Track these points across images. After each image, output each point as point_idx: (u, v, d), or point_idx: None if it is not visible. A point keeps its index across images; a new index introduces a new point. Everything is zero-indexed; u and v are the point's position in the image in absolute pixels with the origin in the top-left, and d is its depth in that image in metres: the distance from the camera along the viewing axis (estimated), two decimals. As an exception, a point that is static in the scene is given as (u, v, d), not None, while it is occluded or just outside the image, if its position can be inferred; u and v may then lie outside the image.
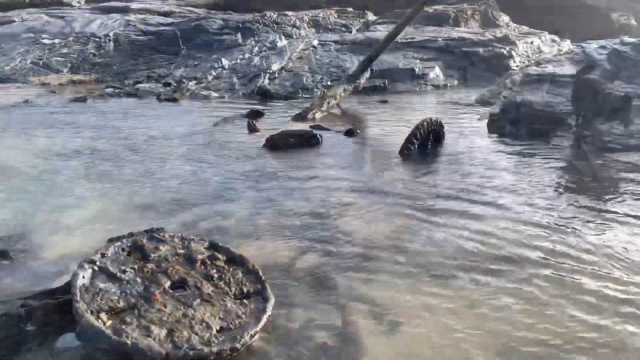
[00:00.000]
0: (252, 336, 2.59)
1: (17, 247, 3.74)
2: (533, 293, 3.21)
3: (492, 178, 5.41)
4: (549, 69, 8.41)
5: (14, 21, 15.97)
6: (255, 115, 8.79)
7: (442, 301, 3.12)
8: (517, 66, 13.20)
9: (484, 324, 2.88)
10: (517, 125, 7.53)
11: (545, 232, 4.10)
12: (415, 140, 6.25)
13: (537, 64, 9.43)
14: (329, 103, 9.14)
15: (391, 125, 8.16)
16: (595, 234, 4.07)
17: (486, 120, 8.05)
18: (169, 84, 11.88)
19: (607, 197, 4.92)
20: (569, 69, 8.24)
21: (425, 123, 6.35)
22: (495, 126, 7.74)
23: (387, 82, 11.91)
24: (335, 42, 14.36)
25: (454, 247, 3.83)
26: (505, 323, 2.88)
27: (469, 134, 7.49)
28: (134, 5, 19.26)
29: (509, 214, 4.46)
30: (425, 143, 6.44)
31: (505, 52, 13.84)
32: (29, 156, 6.21)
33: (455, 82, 12.90)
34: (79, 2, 20.69)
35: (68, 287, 2.70)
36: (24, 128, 7.78)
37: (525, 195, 4.91)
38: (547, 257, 3.66)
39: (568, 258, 3.65)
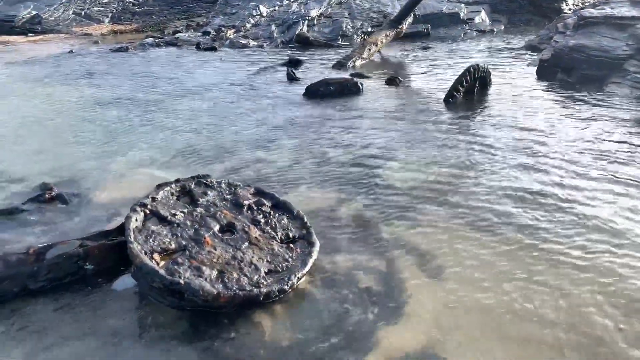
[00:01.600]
0: (299, 279, 2.65)
1: (71, 191, 3.89)
2: (584, 245, 3.12)
3: (540, 128, 5.20)
4: (607, 10, 7.85)
5: (55, -29, 16.04)
6: (294, 63, 8.67)
7: (488, 248, 3.08)
8: (569, 9, 12.40)
9: (528, 270, 2.84)
10: (569, 72, 7.16)
11: (599, 182, 3.95)
12: (460, 88, 6.04)
13: (594, 5, 8.81)
14: (369, 50, 8.89)
15: (434, 72, 7.90)
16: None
17: (535, 67, 7.68)
18: (208, 33, 11.81)
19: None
20: (629, 11, 7.67)
21: (471, 69, 6.11)
22: (545, 72, 7.39)
23: (430, 27, 11.45)
24: (376, -14, 13.81)
25: (499, 196, 3.74)
26: (551, 273, 2.84)
27: (517, 81, 7.18)
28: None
29: (556, 165, 4.30)
30: (472, 90, 6.22)
31: (557, -6, 13.00)
32: (76, 105, 6.37)
33: (502, 27, 12.28)
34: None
35: (122, 229, 2.80)
36: (69, 78, 7.96)
37: (576, 146, 4.71)
38: (599, 204, 3.55)
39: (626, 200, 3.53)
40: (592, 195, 3.72)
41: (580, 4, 12.51)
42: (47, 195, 3.73)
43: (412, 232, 3.29)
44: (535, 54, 8.76)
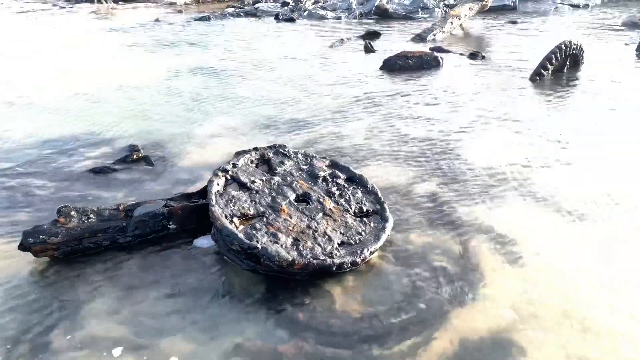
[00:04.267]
0: (371, 253, 2.65)
1: (156, 154, 4.10)
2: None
3: (633, 117, 4.81)
4: None
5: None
6: (372, 35, 8.53)
7: (572, 236, 2.93)
8: (680, -18, 11.25)
9: (615, 261, 2.67)
10: (675, 52, 6.54)
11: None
12: (549, 66, 5.69)
13: None
14: (451, 23, 8.56)
15: (521, 49, 7.48)
16: None
17: (635, 46, 7.07)
18: (287, 4, 11.85)
19: None
20: None
21: (563, 46, 5.73)
22: (647, 52, 6.80)
23: (517, 1, 10.81)
24: (462, -44, 13.18)
25: (587, 183, 3.52)
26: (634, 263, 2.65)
27: (613, 60, 6.65)
28: None
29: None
30: (561, 69, 5.85)
31: (666, -35, 11.80)
32: (161, 73, 6.65)
33: (599, 2, 11.38)
34: None
35: (204, 192, 2.92)
36: (156, 46, 8.30)
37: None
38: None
39: None
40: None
41: (692, -23, 11.29)
42: (134, 157, 3.96)
43: (491, 214, 3.18)
44: (635, 31, 8.05)
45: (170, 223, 2.90)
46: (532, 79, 5.72)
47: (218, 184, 2.86)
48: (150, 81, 6.22)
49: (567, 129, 4.46)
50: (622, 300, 2.43)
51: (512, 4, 10.71)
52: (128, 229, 2.82)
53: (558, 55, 5.70)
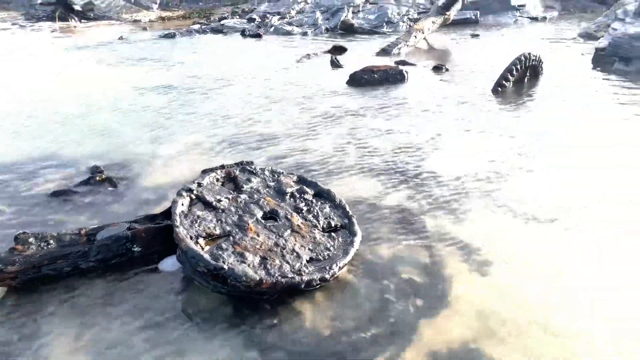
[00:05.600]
0: (340, 268, 2.63)
1: (120, 175, 4.01)
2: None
3: (595, 121, 4.97)
4: (672, -5, 7.39)
5: (107, -41, 16.48)
6: (338, 50, 8.61)
7: (535, 242, 2.98)
8: (630, -6, 11.76)
9: (577, 263, 2.73)
10: (628, 61, 6.80)
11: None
12: (510, 77, 5.84)
13: (657, -10, 8.31)
14: (415, 37, 8.72)
15: (483, 61, 7.67)
16: None
17: (591, 56, 7.34)
18: (253, 20, 11.88)
19: None
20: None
21: (522, 58, 5.89)
22: (602, 62, 7.06)
23: (479, 14, 11.11)
24: (424, -29, 13.50)
25: (549, 189, 3.61)
26: (601, 269, 2.71)
27: (571, 70, 6.88)
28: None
29: (611, 159, 4.10)
30: (522, 80, 6.01)
31: (617, -21, 12.34)
32: (125, 90, 6.55)
33: (556, 14, 11.80)
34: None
35: (168, 213, 2.86)
36: (120, 63, 8.18)
37: (631, 144, 4.48)
38: None
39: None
40: (650, 192, 3.54)
41: (641, -11, 11.83)
42: (97, 178, 3.86)
43: (457, 223, 3.21)
44: (591, 42, 8.36)
45: (135, 246, 2.82)
46: (495, 90, 5.86)
47: (182, 204, 2.80)
48: (115, 100, 6.11)
49: (529, 137, 4.57)
50: (589, 305, 2.47)
51: (473, 17, 10.99)
52: (90, 254, 2.73)
53: (518, 66, 5.85)
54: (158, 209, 3.26)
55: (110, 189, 3.79)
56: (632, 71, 6.61)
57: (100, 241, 2.76)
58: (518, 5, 11.59)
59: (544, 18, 11.54)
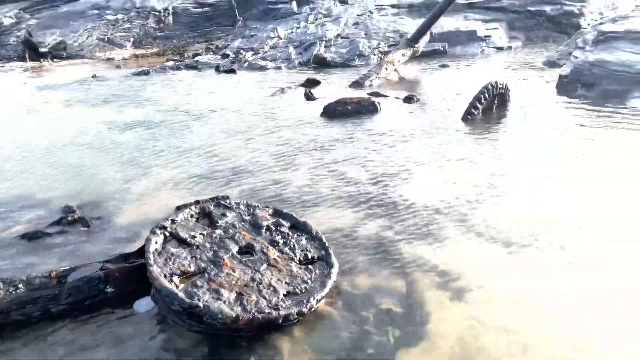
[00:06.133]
0: (318, 301, 2.62)
1: (92, 214, 3.95)
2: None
3: (561, 145, 5.12)
4: (627, 25, 7.78)
5: (80, -1, 16.60)
6: (312, 83, 8.74)
7: (512, 268, 3.02)
8: (588, 24, 12.31)
9: (555, 289, 2.77)
10: (590, 87, 7.08)
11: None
12: (479, 105, 6.01)
13: (613, 20, 8.74)
14: (386, 69, 8.93)
15: (453, 90, 7.88)
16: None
17: (555, 83, 7.62)
18: (227, 55, 12.02)
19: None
20: (649, 25, 7.59)
21: (489, 86, 6.08)
22: (565, 88, 7.32)
23: (447, 45, 11.46)
24: (393, 5, 13.93)
25: (522, 215, 3.68)
26: (581, 292, 2.76)
27: (537, 97, 7.11)
28: (190, -22, 19.49)
29: (581, 185, 4.22)
30: (490, 107, 6.18)
31: (575, 10, 12.94)
32: (97, 128, 6.50)
33: (520, 44, 12.24)
34: (138, -23, 21.16)
35: (142, 252, 2.82)
36: (92, 101, 8.15)
37: (600, 161, 4.63)
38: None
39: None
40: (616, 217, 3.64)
41: (599, 19, 12.41)
42: (69, 218, 3.79)
43: (433, 252, 3.24)
44: (554, 69, 8.69)
45: (108, 287, 2.77)
46: (464, 118, 6.01)
47: (156, 242, 2.77)
48: (87, 137, 6.06)
49: (500, 163, 4.68)
50: (564, 329, 2.50)
51: (442, 49, 11.33)
52: (61, 297, 2.67)
53: (486, 95, 6.03)
54: (132, 248, 3.21)
55: (82, 229, 3.73)
56: (593, 96, 6.87)
57: (71, 283, 2.70)
58: (484, 36, 12.00)
59: (510, 48, 11.96)
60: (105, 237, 3.59)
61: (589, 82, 7.10)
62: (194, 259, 2.74)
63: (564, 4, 13.16)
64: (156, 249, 2.74)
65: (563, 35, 12.18)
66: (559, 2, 13.26)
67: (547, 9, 13.09)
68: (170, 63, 11.46)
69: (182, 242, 2.85)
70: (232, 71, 10.54)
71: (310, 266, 2.86)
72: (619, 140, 5.18)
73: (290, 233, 3.10)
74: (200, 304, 2.38)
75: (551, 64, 9.41)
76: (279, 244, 2.97)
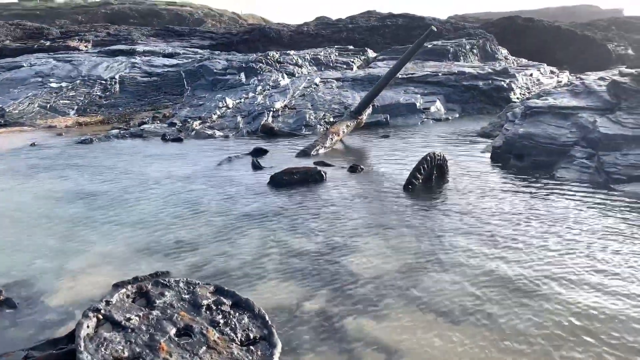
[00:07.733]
0: (259, 385, 2.53)
1: (22, 294, 3.71)
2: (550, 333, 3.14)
3: (497, 214, 5.37)
4: (550, 101, 8.48)
5: (23, 66, 16.38)
6: (259, 153, 8.85)
7: (454, 342, 3.05)
8: (517, 98, 13.34)
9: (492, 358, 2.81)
10: (521, 158, 7.55)
11: (559, 262, 4.05)
12: (419, 175, 6.26)
13: (538, 96, 9.51)
14: (332, 139, 9.20)
15: (395, 160, 8.18)
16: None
17: (489, 153, 8.07)
18: (174, 124, 12.03)
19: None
20: (569, 101, 8.31)
21: (428, 158, 6.37)
22: (499, 158, 7.77)
23: (389, 117, 12.03)
24: (337, 79, 14.61)
25: (463, 286, 3.77)
26: (519, 365, 2.81)
27: (473, 166, 7.50)
28: (139, 48, 19.79)
29: (517, 250, 4.41)
30: (430, 177, 6.45)
31: (505, 85, 14.02)
32: (33, 200, 6.24)
33: (457, 115, 13.02)
34: (86, 47, 21.27)
35: (72, 337, 2.66)
36: (29, 171, 7.85)
37: (534, 229, 4.87)
38: (572, 286, 3.61)
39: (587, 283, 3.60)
40: (560, 277, 3.80)
41: (526, 94, 13.48)
42: (-6, 300, 3.55)
43: (377, 326, 3.24)
44: (488, 140, 9.24)
45: (32, 377, 2.57)
46: (406, 188, 6.22)
47: (88, 326, 2.62)
48: (20, 210, 5.79)
49: (440, 233, 4.83)
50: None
51: (384, 120, 11.86)
52: (-23, 391, 2.44)
53: (425, 166, 6.30)
54: (62, 332, 3.02)
55: (8, 311, 3.48)
56: (524, 166, 7.32)
57: (-10, 375, 2.49)
58: (423, 109, 12.71)
59: (447, 119, 12.68)
60: (33, 320, 3.37)
61: (520, 153, 7.58)
62: (129, 343, 2.60)
63: (495, 79, 14.25)
64: (88, 334, 2.59)
65: (496, 108, 13.09)
66: (490, 78, 14.34)
67: (480, 83, 14.10)
68: (115, 131, 11.33)
69: (117, 325, 2.72)
70: (179, 140, 10.53)
71: (252, 347, 2.78)
72: (548, 209, 5.49)
73: (231, 312, 3.02)
74: (133, 395, 2.25)
75: (486, 135, 10.01)
76: (220, 324, 2.88)
